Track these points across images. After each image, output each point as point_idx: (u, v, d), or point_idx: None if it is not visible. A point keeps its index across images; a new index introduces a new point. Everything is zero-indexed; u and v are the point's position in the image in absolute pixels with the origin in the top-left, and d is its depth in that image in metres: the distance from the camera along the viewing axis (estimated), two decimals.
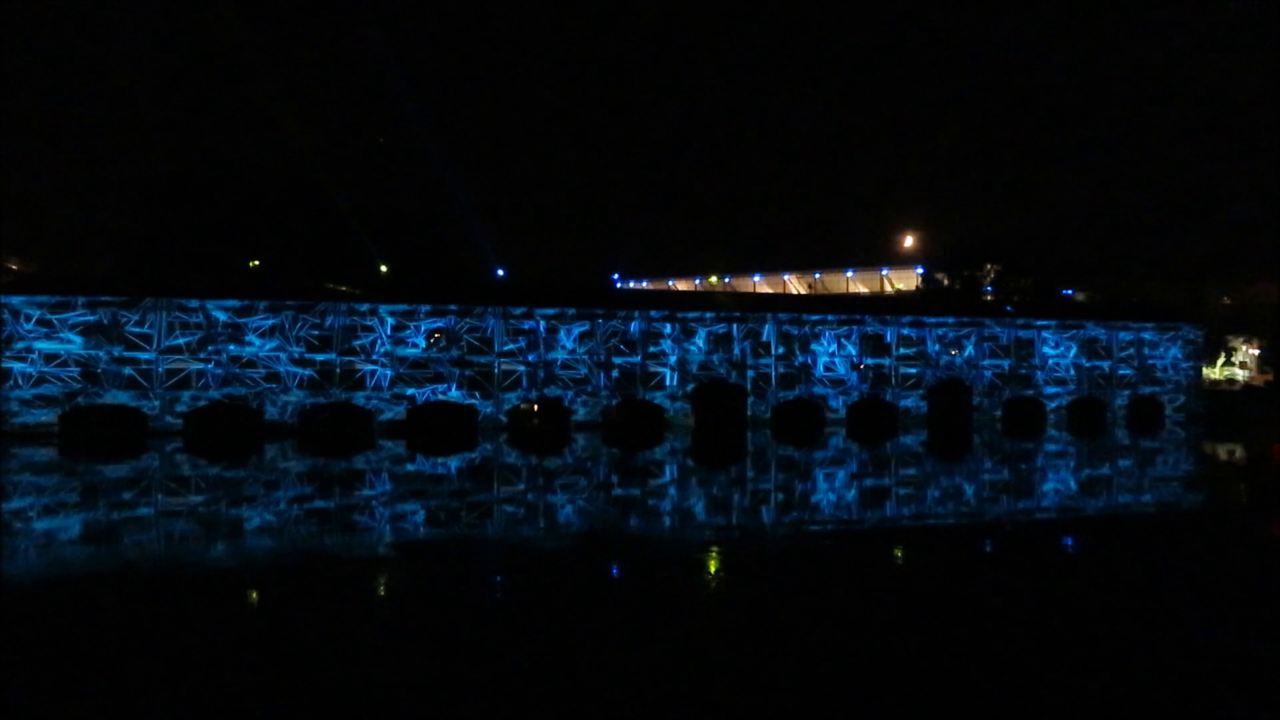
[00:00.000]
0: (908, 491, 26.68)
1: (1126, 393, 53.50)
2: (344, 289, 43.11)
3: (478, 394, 43.06)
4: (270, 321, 40.56)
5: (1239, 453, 39.51)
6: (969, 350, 51.09)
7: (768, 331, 47.62)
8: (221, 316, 39.98)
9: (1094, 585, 14.71)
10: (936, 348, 50.45)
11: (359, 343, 41.76)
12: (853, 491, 26.34)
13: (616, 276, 79.38)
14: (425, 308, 42.73)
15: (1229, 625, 12.21)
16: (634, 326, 45.50)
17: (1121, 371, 53.57)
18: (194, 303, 39.70)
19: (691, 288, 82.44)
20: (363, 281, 47.79)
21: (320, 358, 41.15)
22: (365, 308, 41.94)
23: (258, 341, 40.40)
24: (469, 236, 65.71)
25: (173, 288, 40.40)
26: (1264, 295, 66.07)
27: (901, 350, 49.69)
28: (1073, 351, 52.74)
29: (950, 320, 51.04)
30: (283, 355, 40.68)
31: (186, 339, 39.61)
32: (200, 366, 39.60)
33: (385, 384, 41.88)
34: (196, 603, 13.22)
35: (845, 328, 48.87)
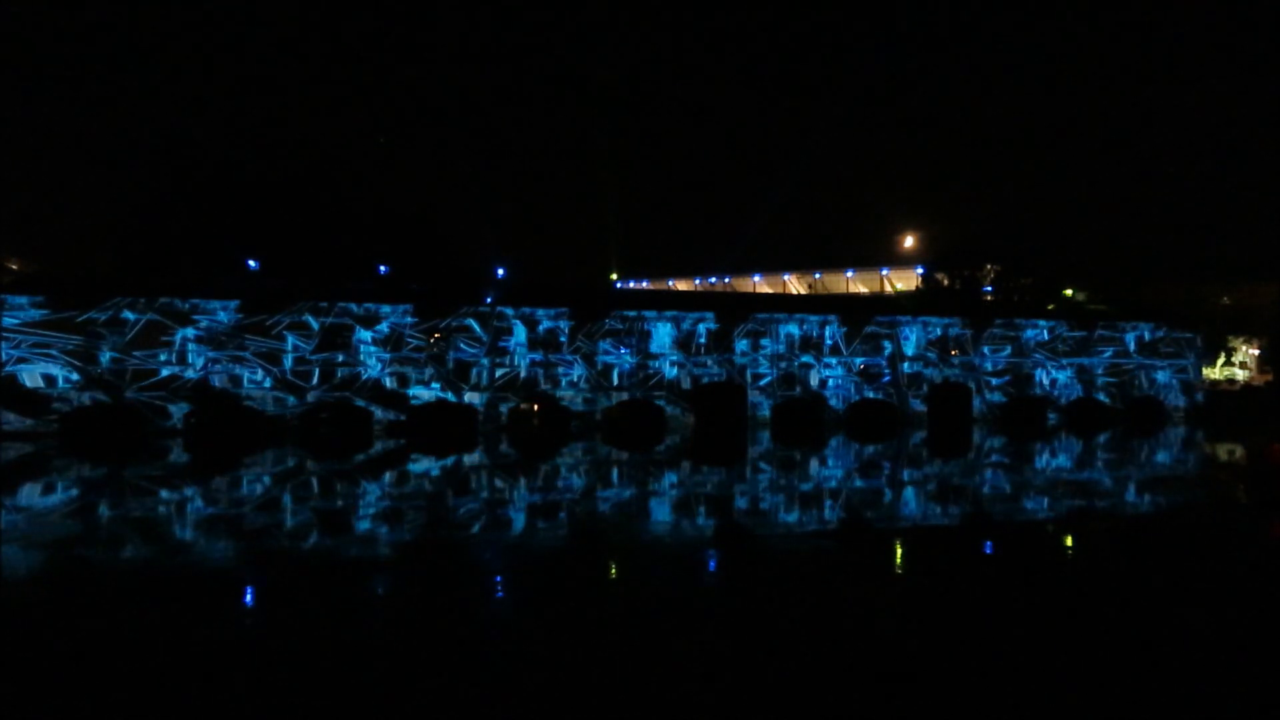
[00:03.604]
0: (909, 493, 26.68)
1: (1126, 392, 53.49)
2: (343, 289, 43.11)
3: (477, 394, 43.07)
4: (270, 321, 40.58)
5: (1239, 452, 39.51)
6: (969, 351, 51.08)
7: (768, 331, 47.62)
8: (222, 317, 40.00)
9: (1093, 583, 14.73)
10: (936, 349, 50.46)
11: (358, 343, 41.79)
12: (852, 493, 26.35)
13: (616, 276, 79.39)
14: (425, 308, 42.75)
15: (1225, 622, 12.24)
16: (633, 327, 45.52)
17: (1122, 371, 53.57)
18: (192, 303, 39.71)
19: (691, 288, 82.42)
20: (362, 281, 47.80)
21: (318, 357, 41.18)
22: (365, 308, 41.95)
23: (257, 342, 40.44)
24: (469, 236, 65.84)
25: (171, 288, 40.40)
26: (1264, 295, 65.98)
27: (901, 351, 49.69)
28: (1072, 352, 52.72)
29: (950, 321, 51.05)
30: (282, 356, 40.72)
31: (186, 340, 39.63)
32: (200, 367, 39.61)
33: (385, 384, 41.90)
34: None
35: (845, 328, 48.88)
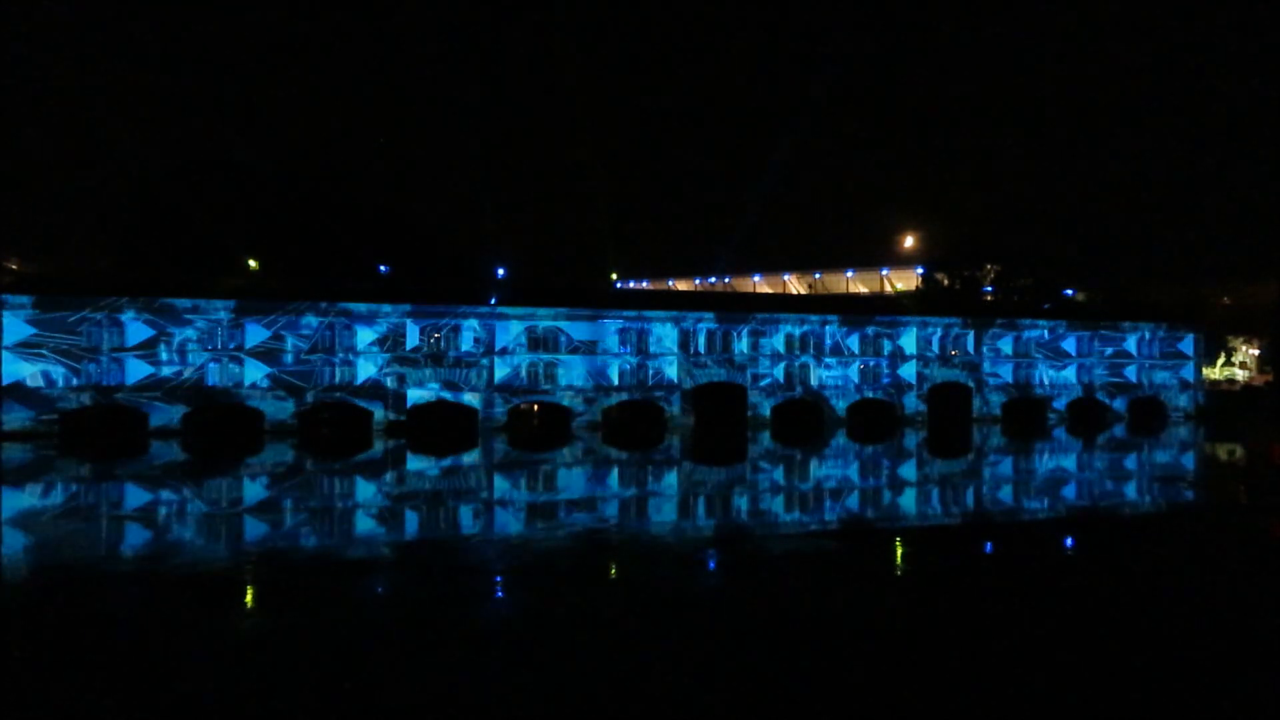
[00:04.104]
0: (911, 493, 26.63)
1: (1127, 392, 53.48)
2: (343, 289, 43.01)
3: (477, 394, 43.01)
4: (269, 321, 40.51)
5: (1239, 452, 39.47)
6: (969, 351, 51.06)
7: (768, 331, 47.58)
8: (222, 316, 39.92)
9: (1095, 582, 14.68)
10: (936, 349, 50.42)
11: (358, 343, 41.72)
12: (854, 494, 26.30)
13: (616, 275, 79.19)
14: (425, 308, 42.69)
15: (1227, 620, 12.20)
16: (633, 327, 45.48)
17: (1122, 371, 53.57)
18: (190, 303, 39.61)
19: (691, 288, 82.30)
20: (362, 281, 47.72)
21: (318, 358, 41.09)
22: (365, 308, 41.88)
23: (256, 342, 40.36)
24: (469, 236, 65.59)
25: (171, 289, 40.28)
26: (1264, 295, 66.00)
27: (901, 351, 49.64)
28: (1073, 352, 52.72)
29: (950, 321, 51.01)
30: (281, 356, 40.64)
31: (185, 340, 39.56)
32: (198, 367, 39.52)
33: (385, 384, 41.82)
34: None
35: (845, 328, 48.85)
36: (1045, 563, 17.04)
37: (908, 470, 32.34)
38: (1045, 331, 52.40)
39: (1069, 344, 52.71)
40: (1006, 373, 51.55)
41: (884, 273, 78.92)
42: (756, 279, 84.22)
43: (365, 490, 26.31)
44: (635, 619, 12.43)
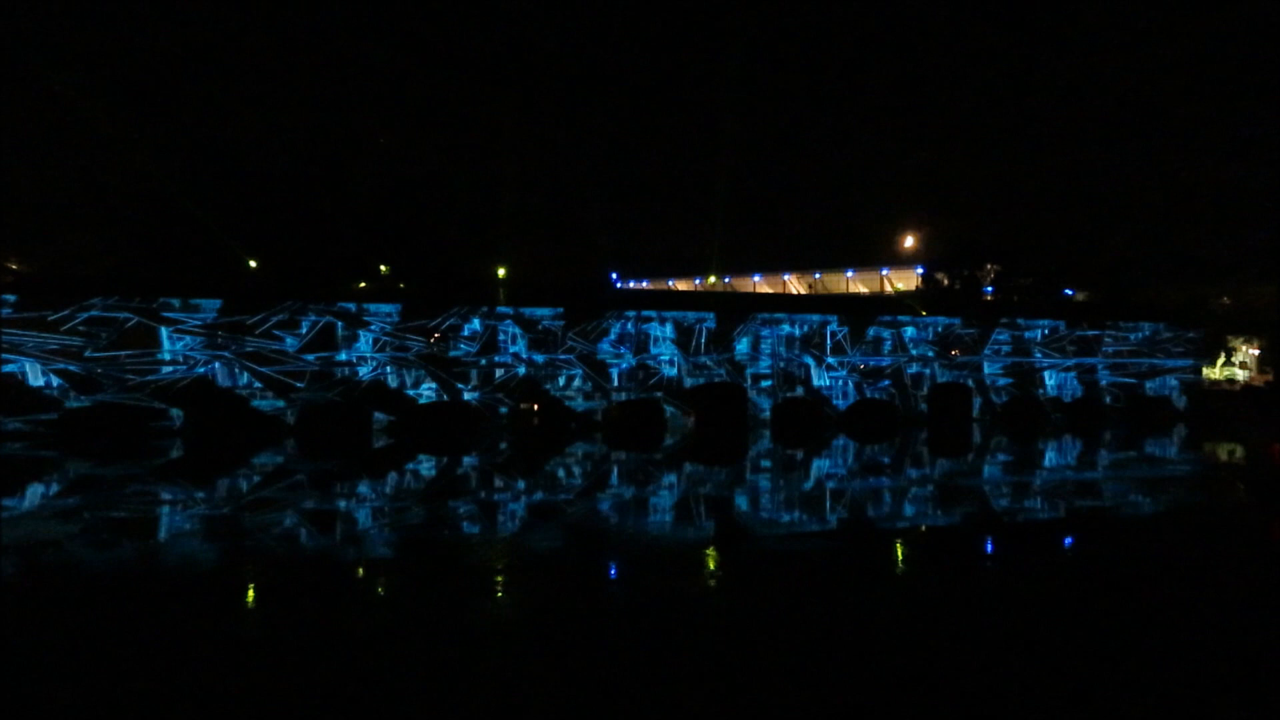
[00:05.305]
0: (914, 492, 26.62)
1: (1127, 392, 53.51)
2: (341, 288, 43.02)
3: (476, 394, 42.99)
4: (267, 320, 40.44)
5: (1239, 453, 39.46)
6: (969, 350, 51.06)
7: (767, 331, 47.57)
8: (220, 316, 39.84)
9: (1095, 584, 14.64)
10: (937, 348, 50.42)
11: (357, 343, 41.67)
12: (857, 493, 26.28)
13: (615, 275, 79.22)
14: (424, 307, 42.65)
15: (1227, 624, 12.14)
16: (632, 327, 45.45)
17: (1123, 371, 53.59)
18: (189, 302, 39.55)
19: (691, 288, 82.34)
20: (361, 280, 47.74)
21: (317, 357, 41.03)
22: (364, 308, 41.83)
23: (254, 342, 40.28)
24: (468, 235, 65.53)
25: (168, 287, 40.24)
26: (1264, 295, 66.02)
27: (901, 351, 49.63)
28: (1073, 352, 52.74)
29: (950, 321, 51.03)
30: (280, 356, 40.56)
31: (183, 338, 39.49)
32: (190, 368, 39.47)
33: (385, 385, 41.79)
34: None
35: (845, 328, 48.84)
36: (1045, 562, 17.00)
37: (911, 471, 32.30)
38: (1046, 331, 52.42)
39: (1068, 344, 52.72)
40: (1007, 373, 51.55)
41: (884, 273, 79.01)
42: (756, 279, 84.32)
43: (372, 490, 26.26)
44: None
